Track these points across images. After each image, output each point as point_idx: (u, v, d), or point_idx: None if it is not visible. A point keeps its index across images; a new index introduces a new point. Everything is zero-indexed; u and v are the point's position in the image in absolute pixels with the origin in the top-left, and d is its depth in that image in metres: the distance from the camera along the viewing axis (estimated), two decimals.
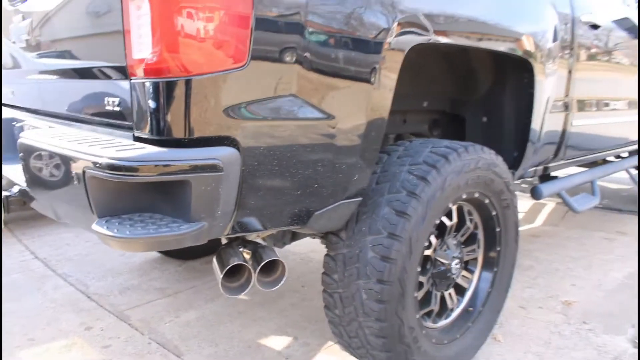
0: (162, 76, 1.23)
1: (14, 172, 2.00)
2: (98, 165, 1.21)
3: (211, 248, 3.32)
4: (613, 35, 3.01)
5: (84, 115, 1.63)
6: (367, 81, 1.55)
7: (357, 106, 1.54)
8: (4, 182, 2.07)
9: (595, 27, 2.71)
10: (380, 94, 1.60)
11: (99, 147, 1.26)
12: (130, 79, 1.29)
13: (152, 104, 1.25)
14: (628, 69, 3.30)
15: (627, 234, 4.16)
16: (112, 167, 1.18)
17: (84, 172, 1.26)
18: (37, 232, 4.14)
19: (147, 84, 1.25)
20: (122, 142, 1.32)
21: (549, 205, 4.96)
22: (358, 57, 1.51)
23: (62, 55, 1.73)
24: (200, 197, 1.24)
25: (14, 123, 2.18)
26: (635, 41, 3.35)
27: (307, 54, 1.39)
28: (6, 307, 2.80)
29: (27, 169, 1.61)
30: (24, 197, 1.93)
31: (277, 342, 2.43)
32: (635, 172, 4.17)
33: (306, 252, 3.57)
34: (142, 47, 1.24)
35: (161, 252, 3.49)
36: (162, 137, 1.25)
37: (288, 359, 2.29)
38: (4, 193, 2.00)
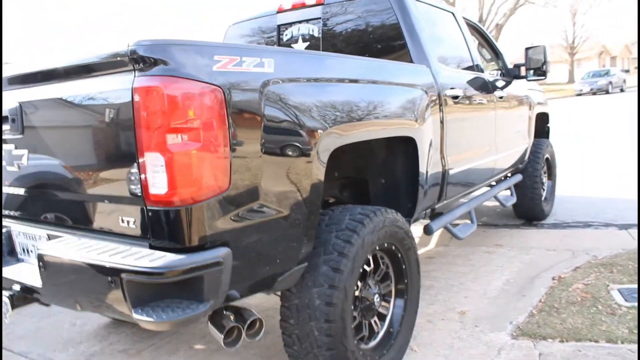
0: (172, 206, 1.78)
1: (13, 273, 2.40)
2: (137, 272, 1.72)
3: None
4: (470, 96, 3.86)
5: (93, 227, 2.11)
6: (308, 176, 2.18)
7: (301, 200, 2.17)
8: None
9: (456, 97, 3.53)
10: (316, 187, 2.24)
11: (132, 259, 1.77)
12: (147, 207, 1.82)
13: (166, 224, 1.79)
14: (484, 120, 4.19)
15: (503, 245, 5.07)
16: (148, 274, 1.71)
17: (121, 277, 1.76)
18: None
19: (162, 211, 1.79)
20: (142, 251, 1.84)
21: None
22: (298, 166, 2.15)
23: (70, 179, 2.18)
24: (209, 285, 1.79)
25: (4, 229, 2.56)
26: (487, 95, 4.25)
27: (266, 171, 2.00)
28: None
29: (48, 275, 2.05)
30: (28, 294, 2.34)
31: None
32: (502, 195, 5.10)
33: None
34: (156, 186, 1.77)
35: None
36: (177, 246, 1.80)
37: None
38: (7, 293, 2.38)
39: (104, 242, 2.01)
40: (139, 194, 1.84)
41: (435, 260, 4.78)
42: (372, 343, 2.74)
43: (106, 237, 2.05)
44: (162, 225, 1.81)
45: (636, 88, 28.11)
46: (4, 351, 3.55)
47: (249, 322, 2.10)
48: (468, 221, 4.20)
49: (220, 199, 1.85)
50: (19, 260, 2.53)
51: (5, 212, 2.56)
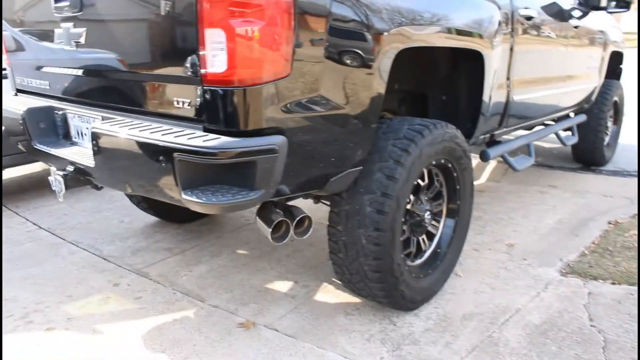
0: (230, 86, 1.69)
1: (67, 154, 2.41)
2: (189, 152, 1.67)
3: (201, 213, 3.77)
4: (543, 21, 3.59)
5: (148, 109, 2.06)
6: (371, 76, 2.06)
7: (363, 98, 2.06)
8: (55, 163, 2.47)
9: (529, 18, 3.28)
10: (378, 86, 2.12)
11: (185, 138, 1.72)
12: (204, 87, 1.75)
13: (222, 105, 1.72)
14: (556, 49, 3.92)
15: (557, 187, 4.87)
16: (201, 153, 1.65)
17: (173, 157, 1.71)
18: (32, 205, 4.40)
19: (219, 92, 1.71)
20: (196, 132, 1.78)
21: (492, 163, 5.63)
22: (366, 58, 2.03)
23: (126, 59, 2.12)
24: (262, 172, 1.72)
25: (55, 111, 2.56)
26: (561, 23, 3.95)
27: (328, 62, 1.88)
28: (30, 272, 3.17)
29: (100, 154, 2.03)
30: (81, 175, 2.35)
31: (282, 286, 2.95)
32: (563, 133, 4.85)
33: None
34: (215, 64, 1.69)
35: (159, 216, 3.91)
36: (231, 129, 1.73)
37: (294, 297, 2.82)
38: (61, 172, 2.40)
39: (158, 123, 1.97)
40: (197, 73, 1.76)
41: (485, 194, 4.65)
42: (418, 261, 2.68)
43: (160, 119, 2.00)
44: (217, 107, 1.74)
45: None
46: (58, 238, 3.71)
47: (297, 218, 2.05)
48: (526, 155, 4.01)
49: (279, 85, 1.75)
50: (73, 144, 2.54)
51: (60, 95, 2.55)
